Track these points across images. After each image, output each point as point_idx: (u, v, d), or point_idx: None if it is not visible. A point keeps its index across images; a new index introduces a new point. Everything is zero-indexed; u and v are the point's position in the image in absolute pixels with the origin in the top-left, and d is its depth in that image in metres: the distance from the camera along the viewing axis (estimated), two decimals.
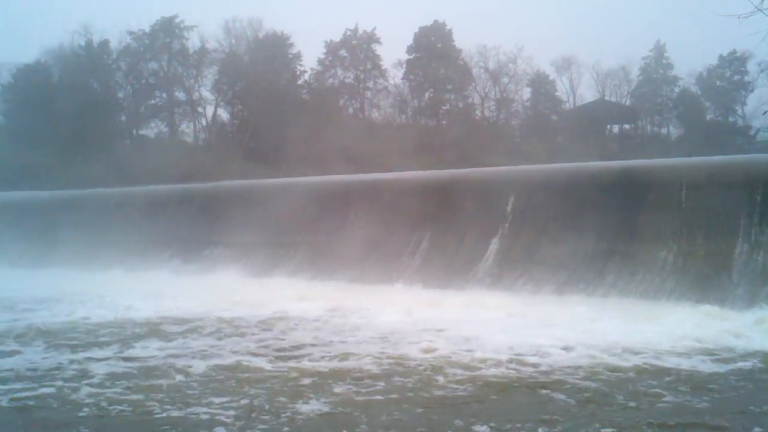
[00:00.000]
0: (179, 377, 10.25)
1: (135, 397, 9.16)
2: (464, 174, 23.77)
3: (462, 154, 41.27)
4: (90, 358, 11.58)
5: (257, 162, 40.98)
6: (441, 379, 10.07)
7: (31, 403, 9.05)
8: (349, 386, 9.65)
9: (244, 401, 8.97)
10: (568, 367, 10.66)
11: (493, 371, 10.46)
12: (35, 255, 28.64)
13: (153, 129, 55.99)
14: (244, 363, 11.09)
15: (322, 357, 11.52)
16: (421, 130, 52.22)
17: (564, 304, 16.04)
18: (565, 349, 11.78)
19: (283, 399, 9.06)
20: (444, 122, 55.42)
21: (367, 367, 10.79)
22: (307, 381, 9.97)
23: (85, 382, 9.96)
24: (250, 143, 48.26)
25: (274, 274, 22.50)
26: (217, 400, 9.02)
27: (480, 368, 10.61)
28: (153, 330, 14.37)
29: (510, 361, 11.05)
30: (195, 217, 27.40)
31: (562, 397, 9.14)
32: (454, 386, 9.67)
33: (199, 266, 24.63)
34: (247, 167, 38.08)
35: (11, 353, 12.12)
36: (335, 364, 11.04)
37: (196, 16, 71.28)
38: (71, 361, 11.33)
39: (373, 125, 52.87)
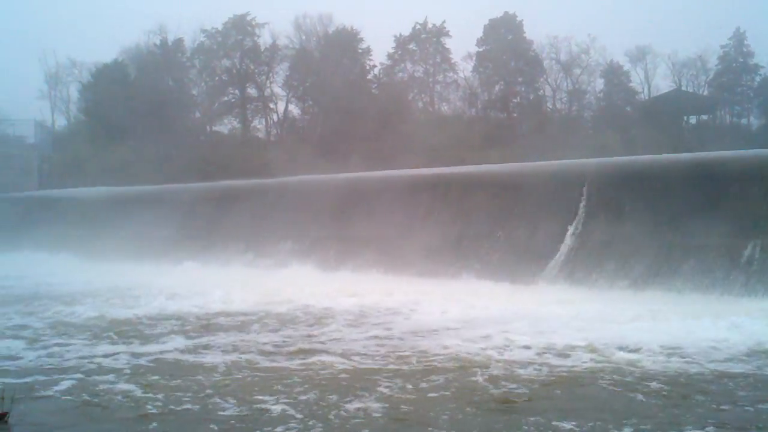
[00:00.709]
0: (244, 372, 10.43)
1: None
2: (536, 167, 23.46)
3: (533, 147, 40.71)
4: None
5: (328, 157, 41.27)
6: (517, 373, 9.98)
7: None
8: (422, 380, 9.65)
9: (334, 396, 9.05)
10: (647, 364, 10.43)
11: (566, 367, 10.31)
12: (115, 249, 29.40)
13: (226, 125, 57.07)
14: (319, 359, 11.20)
15: (393, 351, 11.55)
16: (491, 124, 51.73)
17: (639, 300, 15.72)
18: (639, 345, 11.52)
19: (347, 393, 9.12)
20: (515, 115, 54.74)
21: (439, 361, 10.78)
22: (377, 375, 10.01)
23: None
24: (321, 138, 48.65)
25: (345, 267, 22.64)
26: (284, 393, 9.13)
27: (553, 364, 10.48)
28: (223, 323, 14.64)
29: (584, 356, 10.88)
30: (268, 211, 27.80)
31: (642, 396, 8.94)
32: (528, 382, 9.57)
33: (272, 260, 24.94)
34: (318, 162, 38.38)
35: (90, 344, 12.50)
36: (407, 358, 11.05)
37: (267, 13, 72.48)
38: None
39: (442, 119, 52.58)
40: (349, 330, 13.59)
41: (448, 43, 55.29)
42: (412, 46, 55.16)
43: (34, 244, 32.44)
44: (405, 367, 10.48)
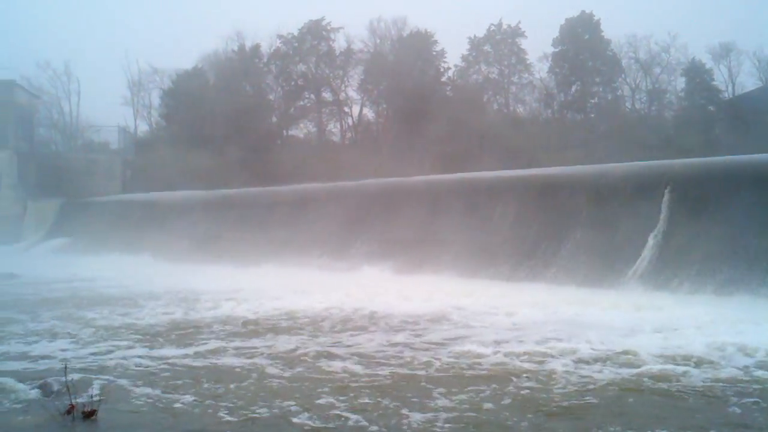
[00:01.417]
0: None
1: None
2: (615, 168, 22.94)
3: (611, 149, 39.86)
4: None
5: (402, 159, 41.34)
6: (596, 380, 9.71)
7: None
8: (494, 386, 9.49)
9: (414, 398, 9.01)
10: (732, 375, 10.01)
11: (646, 375, 9.97)
12: (196, 251, 30.07)
13: (301, 129, 57.87)
14: (391, 364, 11.16)
15: (467, 355, 11.41)
16: (568, 125, 51.01)
17: (723, 305, 15.14)
18: (724, 354, 11.07)
19: (421, 397, 9.04)
20: (592, 116, 53.82)
21: (514, 368, 10.58)
22: (446, 380, 9.89)
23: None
24: (395, 141, 48.77)
25: (421, 271, 22.54)
26: (351, 399, 9.11)
27: (632, 373, 10.14)
28: (296, 325, 14.74)
29: (665, 365, 10.50)
30: (343, 214, 27.98)
31: (725, 407, 8.60)
32: (606, 390, 9.29)
33: (347, 263, 25.05)
34: (393, 165, 38.49)
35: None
36: (484, 364, 10.90)
37: (342, 18, 73.22)
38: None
39: (518, 120, 52.10)
40: (421, 335, 13.46)
41: (523, 43, 54.85)
42: (486, 47, 54.88)
43: (121, 247, 33.49)
44: (483, 373, 10.31)
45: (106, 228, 37.35)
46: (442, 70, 54.60)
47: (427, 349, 11.99)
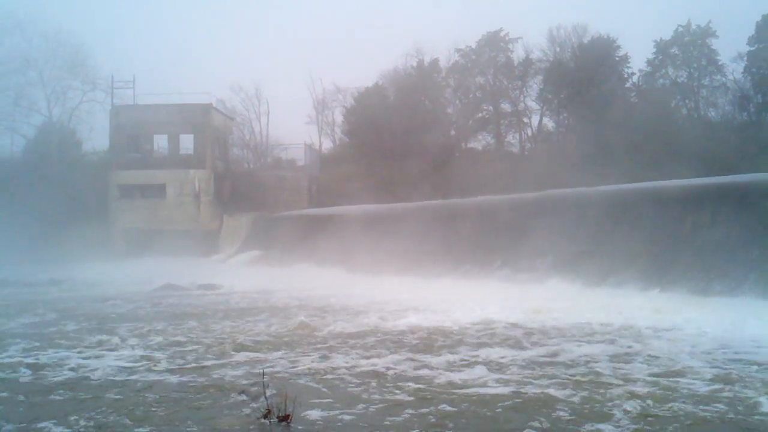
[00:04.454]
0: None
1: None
2: None
3: None
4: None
5: (584, 169, 40.12)
6: None
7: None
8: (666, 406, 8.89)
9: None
10: None
11: None
12: (372, 263, 30.66)
13: (480, 141, 57.74)
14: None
15: (651, 374, 10.79)
16: (766, 129, 47.35)
17: None
18: None
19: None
20: None
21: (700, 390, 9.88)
22: (627, 396, 9.38)
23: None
24: (577, 150, 47.47)
25: (606, 284, 21.69)
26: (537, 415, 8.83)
27: None
28: (481, 338, 14.58)
29: None
30: (524, 226, 27.50)
31: None
32: None
33: (529, 275, 24.57)
34: (575, 175, 37.42)
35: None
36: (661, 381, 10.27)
37: (520, 28, 72.49)
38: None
39: (709, 125, 49.08)
40: (604, 349, 12.89)
41: (714, 44, 51.61)
42: (674, 49, 52.18)
43: (308, 258, 34.88)
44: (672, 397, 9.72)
45: (295, 241, 39.03)
46: (625, 75, 52.60)
47: (614, 364, 11.49)
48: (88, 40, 67.85)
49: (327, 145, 64.88)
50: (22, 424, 8.59)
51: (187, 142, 51.37)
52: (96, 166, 53.94)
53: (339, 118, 62.85)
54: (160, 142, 52.29)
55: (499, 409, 9.00)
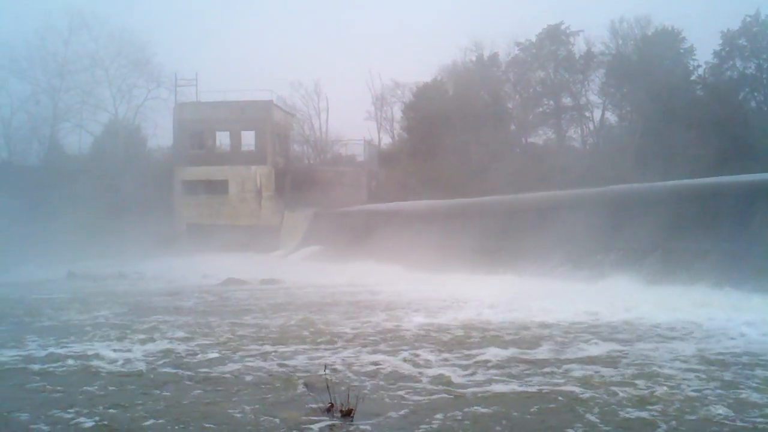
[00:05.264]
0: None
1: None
2: None
3: None
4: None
5: (648, 164, 39.39)
6: None
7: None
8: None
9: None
10: None
11: None
12: (432, 260, 30.57)
13: (540, 136, 57.19)
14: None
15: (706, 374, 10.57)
16: None
17: None
18: None
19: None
20: None
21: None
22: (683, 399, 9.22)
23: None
24: (640, 145, 46.61)
25: (670, 281, 21.14)
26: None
27: None
28: (541, 335, 14.47)
29: None
30: (585, 222, 27.08)
31: None
32: None
33: (591, 272, 24.17)
34: (638, 170, 36.79)
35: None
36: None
37: (581, 21, 71.30)
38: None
39: None
40: (664, 348, 12.67)
41: None
42: (741, 41, 50.71)
43: (368, 255, 34.97)
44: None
45: (354, 237, 39.16)
46: (691, 68, 51.39)
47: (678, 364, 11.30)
48: (152, 39, 69.18)
49: (386, 140, 65.17)
50: (110, 410, 8.88)
51: (248, 139, 52.12)
52: (160, 163, 55.22)
53: (398, 113, 63.01)
54: (222, 138, 53.17)
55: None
